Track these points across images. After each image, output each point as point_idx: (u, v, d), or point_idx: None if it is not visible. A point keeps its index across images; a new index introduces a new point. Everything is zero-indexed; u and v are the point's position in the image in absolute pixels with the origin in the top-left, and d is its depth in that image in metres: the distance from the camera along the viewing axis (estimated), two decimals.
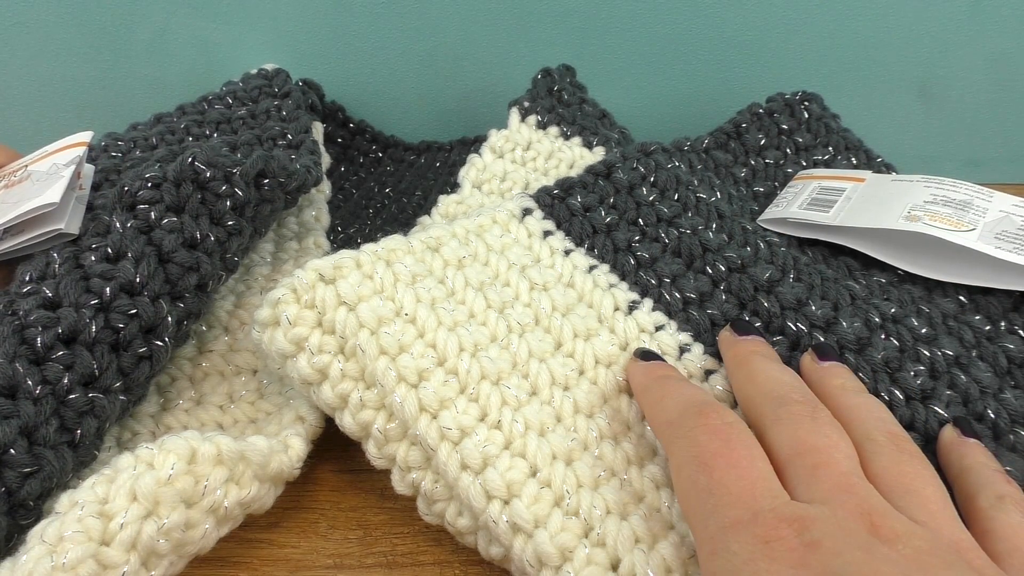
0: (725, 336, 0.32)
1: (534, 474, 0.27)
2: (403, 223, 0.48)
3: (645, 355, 0.31)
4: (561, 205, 0.37)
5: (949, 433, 0.28)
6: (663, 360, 0.31)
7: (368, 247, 0.32)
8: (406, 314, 0.30)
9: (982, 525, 0.24)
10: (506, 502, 0.27)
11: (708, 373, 0.32)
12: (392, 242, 0.33)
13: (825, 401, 0.27)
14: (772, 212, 0.42)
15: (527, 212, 0.37)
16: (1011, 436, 0.29)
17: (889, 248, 0.38)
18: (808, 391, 0.28)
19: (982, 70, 0.53)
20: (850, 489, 0.23)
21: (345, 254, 0.31)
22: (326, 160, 0.47)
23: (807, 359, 0.31)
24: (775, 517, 0.21)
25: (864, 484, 0.23)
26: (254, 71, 0.49)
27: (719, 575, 0.22)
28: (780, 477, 0.24)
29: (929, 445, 0.29)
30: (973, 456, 0.27)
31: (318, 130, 0.48)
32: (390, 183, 0.54)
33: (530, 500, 0.27)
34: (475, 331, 0.31)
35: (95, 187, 0.36)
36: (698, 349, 0.33)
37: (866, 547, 0.20)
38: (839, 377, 0.29)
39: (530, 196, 0.37)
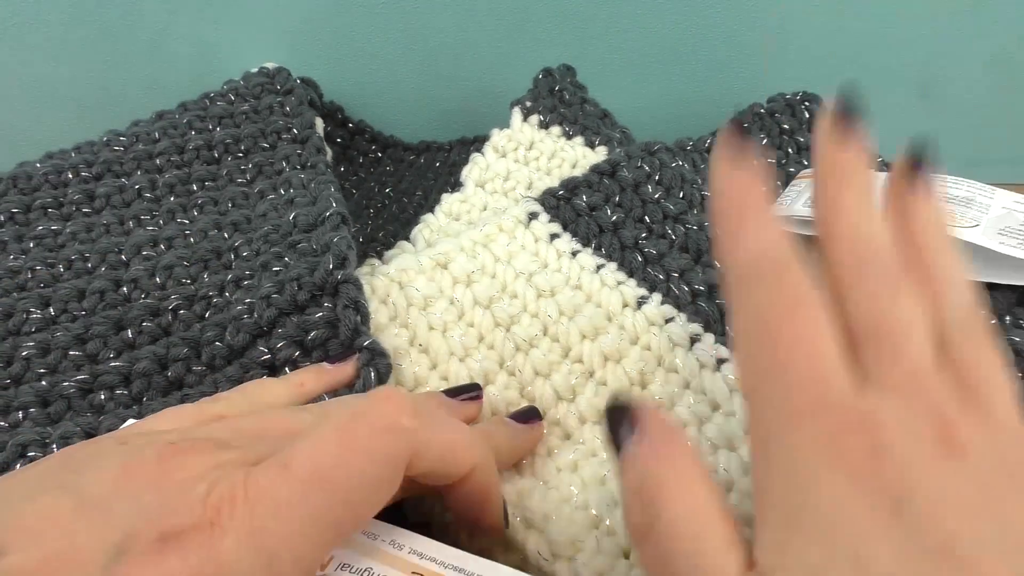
0: (822, 135, 0.24)
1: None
2: (403, 223, 0.48)
3: (735, 157, 0.24)
4: (567, 206, 0.37)
5: None
6: (757, 177, 0.24)
7: (381, 270, 0.33)
8: (420, 345, 0.31)
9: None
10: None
11: (720, 363, 0.32)
12: (403, 261, 0.33)
13: (913, 251, 0.23)
14: None
15: (533, 216, 0.37)
16: None
17: None
18: (892, 253, 0.23)
19: (982, 70, 0.53)
20: (924, 382, 0.20)
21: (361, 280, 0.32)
22: (328, 155, 0.46)
23: (898, 176, 0.24)
24: (843, 413, 0.19)
25: (938, 378, 0.20)
26: (255, 70, 0.49)
27: (773, 468, 0.19)
28: (852, 352, 0.21)
29: None
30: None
31: (318, 126, 0.48)
32: (390, 183, 0.54)
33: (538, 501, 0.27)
34: (484, 358, 0.32)
35: (86, 180, 0.35)
36: (709, 339, 0.33)
37: (938, 456, 0.18)
38: (928, 220, 0.23)
39: (535, 199, 0.38)
